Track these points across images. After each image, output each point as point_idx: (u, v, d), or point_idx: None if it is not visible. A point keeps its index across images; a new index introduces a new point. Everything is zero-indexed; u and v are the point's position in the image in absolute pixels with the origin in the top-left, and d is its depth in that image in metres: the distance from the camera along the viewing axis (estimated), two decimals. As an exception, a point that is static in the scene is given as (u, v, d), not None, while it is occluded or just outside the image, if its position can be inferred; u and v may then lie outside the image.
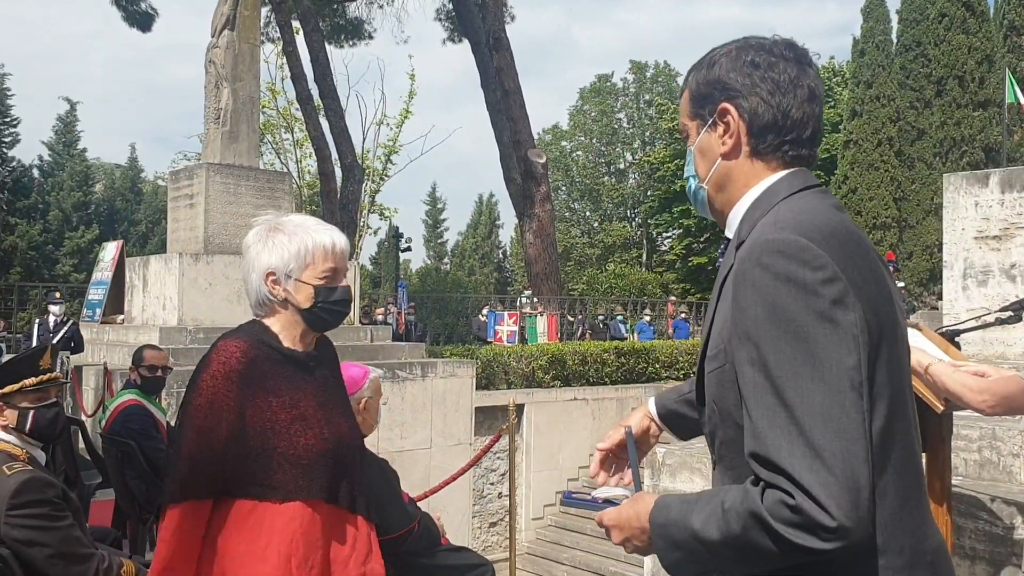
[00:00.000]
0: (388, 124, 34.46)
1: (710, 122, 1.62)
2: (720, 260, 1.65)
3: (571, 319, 24.41)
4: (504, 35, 23.88)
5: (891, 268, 18.74)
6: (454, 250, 67.36)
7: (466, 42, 26.37)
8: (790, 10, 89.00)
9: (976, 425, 3.74)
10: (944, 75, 26.67)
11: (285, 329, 2.43)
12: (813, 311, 1.36)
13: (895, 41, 29.71)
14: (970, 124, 26.35)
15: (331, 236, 2.44)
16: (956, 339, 3.09)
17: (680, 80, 53.20)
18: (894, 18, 29.85)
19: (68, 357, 10.98)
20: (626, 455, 1.93)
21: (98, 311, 12.99)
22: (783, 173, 1.59)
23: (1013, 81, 21.90)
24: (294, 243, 2.38)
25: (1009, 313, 3.19)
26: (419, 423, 12.08)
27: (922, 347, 2.83)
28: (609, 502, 1.83)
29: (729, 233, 1.64)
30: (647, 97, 54.00)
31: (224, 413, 2.26)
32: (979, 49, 26.14)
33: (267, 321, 2.43)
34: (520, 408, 14.63)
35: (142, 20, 26.10)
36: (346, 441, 2.46)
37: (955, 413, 2.90)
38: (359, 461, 2.53)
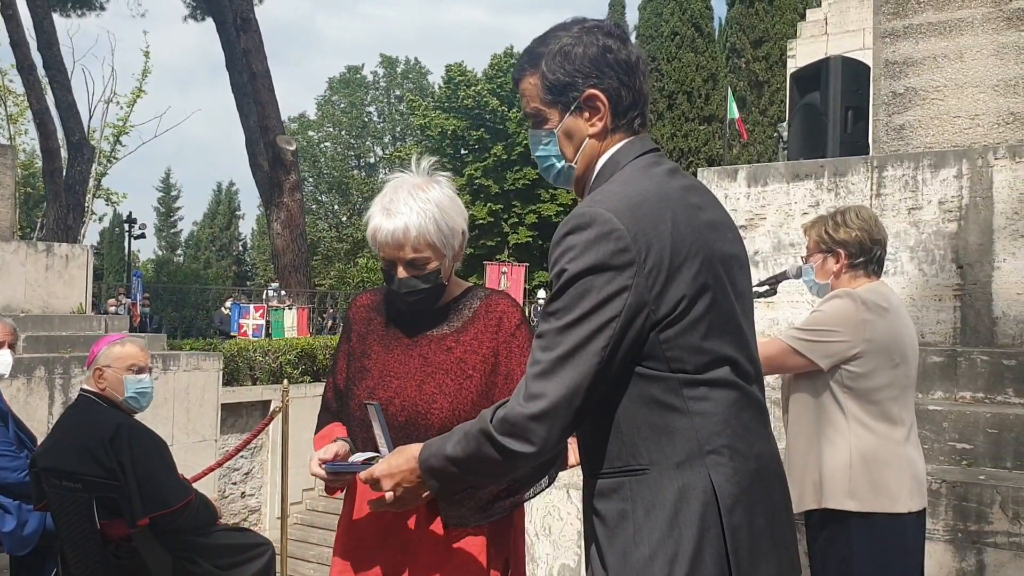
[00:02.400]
0: (118, 103, 32.18)
1: (573, 107, 1.77)
2: None
3: (322, 316, 23.89)
4: (252, 16, 22.97)
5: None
6: (188, 241, 64.00)
7: (210, 21, 25.15)
8: (533, 18, 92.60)
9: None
10: (675, 90, 28.82)
11: None
12: (591, 272, 1.62)
13: (632, 55, 31.67)
14: (696, 137, 28.67)
15: (376, 221, 2.19)
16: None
17: (432, 78, 53.86)
18: (633, 33, 31.89)
19: None
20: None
21: None
22: (622, 143, 1.79)
23: (733, 99, 24.09)
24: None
25: (766, 287, 3.50)
26: (160, 419, 11.33)
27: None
28: (368, 462, 2.03)
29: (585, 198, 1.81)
30: (398, 92, 54.08)
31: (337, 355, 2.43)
32: (706, 67, 28.51)
33: None
34: (267, 404, 14.19)
35: None
36: (400, 407, 2.20)
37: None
38: (429, 429, 2.14)
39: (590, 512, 1.74)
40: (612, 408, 1.68)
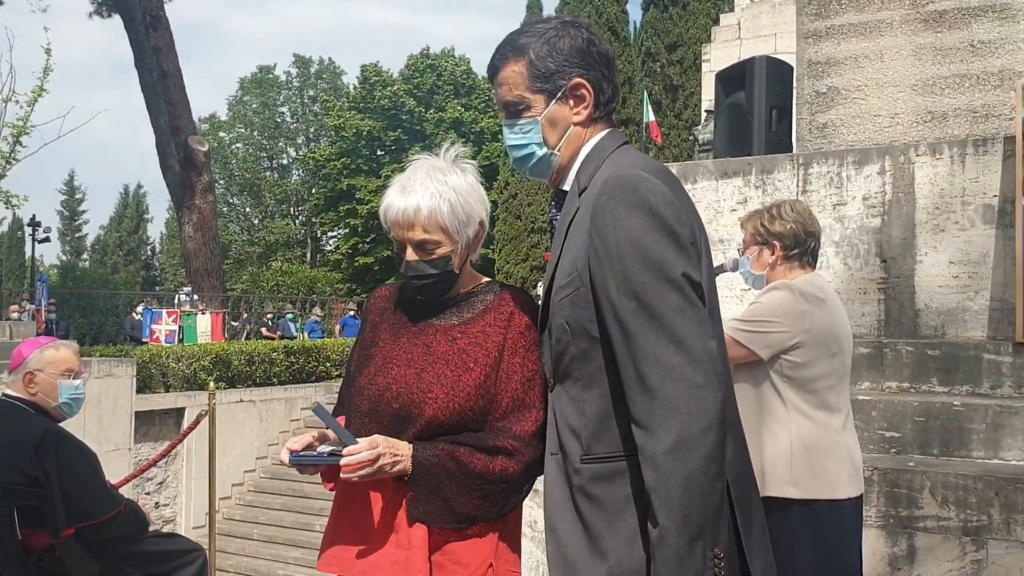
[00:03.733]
0: (17, 101, 30.94)
1: (559, 95, 1.83)
2: (553, 214, 1.93)
3: (234, 323, 23.33)
4: (163, 13, 22.43)
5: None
6: (95, 245, 62.02)
7: (117, 18, 24.42)
8: (446, 19, 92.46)
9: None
10: (590, 93, 29.11)
11: None
12: (660, 230, 1.64)
13: (548, 58, 31.82)
14: (612, 139, 28.98)
15: (389, 198, 2.13)
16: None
17: (347, 78, 53.23)
18: (547, 36, 32.01)
19: None
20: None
21: None
22: (604, 132, 1.87)
23: (648, 102, 24.44)
24: None
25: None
26: (71, 427, 10.88)
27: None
28: (334, 454, 2.01)
29: (565, 186, 1.88)
30: (311, 93, 53.32)
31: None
32: (622, 71, 28.80)
33: None
34: (181, 412, 13.84)
35: None
36: (396, 394, 2.10)
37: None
38: (422, 419, 2.07)
39: (580, 497, 1.71)
40: (620, 391, 1.67)
